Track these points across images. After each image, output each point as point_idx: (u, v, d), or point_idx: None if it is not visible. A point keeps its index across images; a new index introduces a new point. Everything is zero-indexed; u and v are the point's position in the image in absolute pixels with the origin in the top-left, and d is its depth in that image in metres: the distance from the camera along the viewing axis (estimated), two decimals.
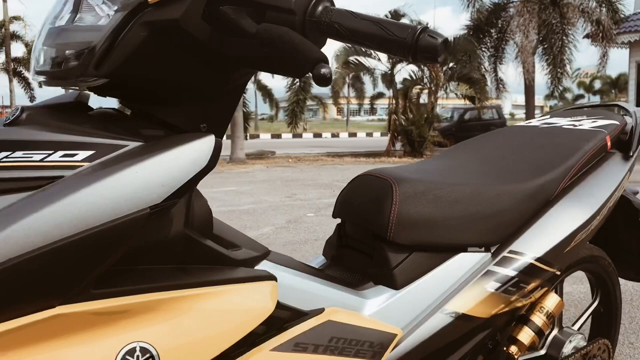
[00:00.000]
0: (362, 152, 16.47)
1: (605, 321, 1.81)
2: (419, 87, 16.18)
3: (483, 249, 1.20)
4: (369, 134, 32.62)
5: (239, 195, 7.57)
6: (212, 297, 0.80)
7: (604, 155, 1.47)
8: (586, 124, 1.53)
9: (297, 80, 14.21)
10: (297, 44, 0.75)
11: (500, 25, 17.30)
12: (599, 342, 1.60)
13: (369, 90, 23.32)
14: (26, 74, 30.20)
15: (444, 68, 15.60)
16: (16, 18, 27.04)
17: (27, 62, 29.94)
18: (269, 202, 6.83)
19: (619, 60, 20.57)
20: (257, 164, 12.82)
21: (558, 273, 1.31)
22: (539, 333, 1.31)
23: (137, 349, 0.72)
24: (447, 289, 1.13)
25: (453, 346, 1.16)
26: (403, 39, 0.78)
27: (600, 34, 15.34)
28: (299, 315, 0.94)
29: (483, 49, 17.49)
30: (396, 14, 16.45)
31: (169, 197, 0.74)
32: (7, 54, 12.43)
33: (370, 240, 1.14)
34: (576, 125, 1.52)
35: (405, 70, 17.47)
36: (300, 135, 29.63)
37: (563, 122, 1.59)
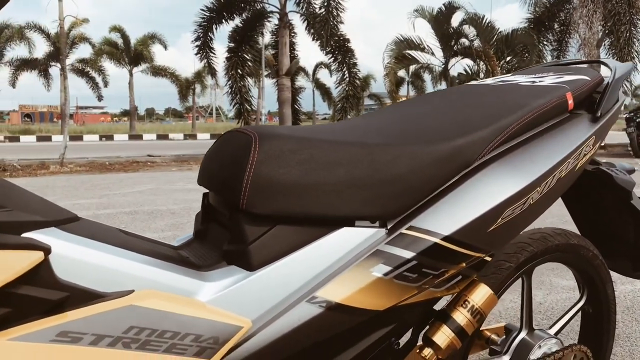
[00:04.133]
0: None
1: (595, 324, 1.52)
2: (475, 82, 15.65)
3: (377, 223, 0.96)
4: None
5: None
6: None
7: (567, 116, 1.19)
8: (549, 80, 1.24)
9: (347, 75, 13.97)
10: None
11: (563, 18, 16.48)
12: (574, 349, 1.32)
13: (429, 88, 22.90)
14: (93, 74, 31.40)
15: (501, 62, 15.01)
16: (84, 20, 28.11)
17: (93, 62, 31.10)
18: None
19: None
20: None
21: (487, 258, 1.04)
22: (461, 333, 1.04)
23: None
24: (321, 271, 0.89)
25: (332, 344, 0.92)
26: None
27: None
28: (90, 298, 0.74)
29: (544, 43, 16.71)
30: (451, 7, 15.99)
31: None
32: (61, 53, 12.77)
33: (228, 211, 0.92)
34: (536, 82, 1.24)
35: (460, 65, 16.95)
36: None
37: (522, 79, 1.31)
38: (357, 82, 14.21)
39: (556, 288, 3.03)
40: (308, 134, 0.95)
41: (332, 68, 14.50)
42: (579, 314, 1.50)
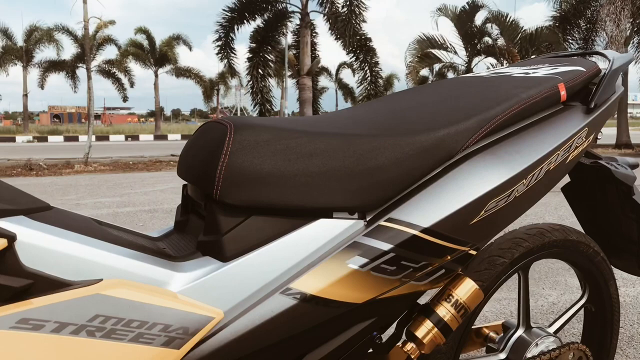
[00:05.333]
0: None
1: (597, 323, 1.48)
2: None
3: (356, 215, 0.94)
4: None
5: None
6: None
7: (560, 107, 1.16)
8: (542, 71, 1.21)
9: (368, 74, 13.93)
10: None
11: (589, 15, 16.18)
12: (572, 347, 1.29)
13: None
14: (119, 75, 31.84)
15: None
16: (111, 22, 28.54)
17: (119, 64, 31.52)
18: None
19: None
20: None
21: (472, 252, 1.02)
22: (444, 328, 1.02)
23: None
24: (296, 263, 0.88)
25: (308, 337, 0.91)
26: None
27: None
28: (56, 287, 0.74)
29: (570, 41, 16.44)
30: (474, 5, 15.84)
31: None
32: (86, 54, 12.95)
33: (203, 202, 0.92)
34: (529, 74, 1.21)
35: (483, 64, 16.79)
36: None
37: (516, 70, 1.28)
38: (379, 81, 14.16)
39: (571, 288, 2.97)
40: (286, 125, 0.94)
41: (354, 67, 14.50)
42: (580, 313, 1.46)
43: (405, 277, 0.95)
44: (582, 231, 1.42)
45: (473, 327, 1.37)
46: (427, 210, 0.95)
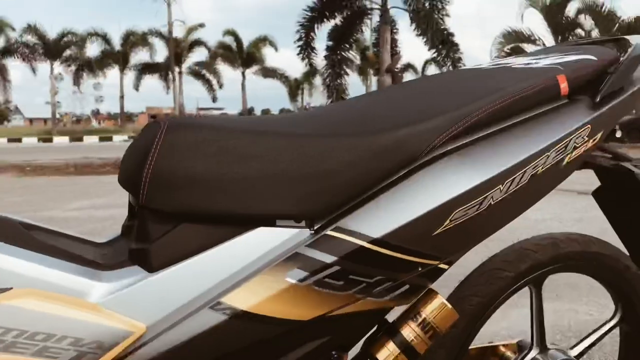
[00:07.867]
0: None
1: (634, 347, 1.30)
2: None
3: (303, 223, 0.84)
4: None
5: None
6: None
7: (562, 102, 0.99)
8: (546, 61, 1.05)
9: (451, 69, 13.58)
10: None
11: None
12: None
13: None
14: (209, 76, 32.95)
15: None
16: (201, 25, 29.55)
17: (209, 65, 32.61)
18: None
19: None
20: None
21: (443, 266, 0.89)
22: (408, 351, 0.89)
23: None
24: (230, 276, 0.79)
25: (248, 356, 0.83)
26: None
27: None
28: None
29: None
30: None
31: None
32: (169, 55, 13.44)
33: (136, 207, 0.86)
34: (530, 64, 1.05)
35: None
36: None
37: (519, 60, 1.12)
38: None
39: None
40: (228, 125, 0.86)
41: (439, 62, 14.15)
42: (606, 335, 1.28)
43: (358, 293, 0.84)
44: (612, 243, 1.24)
45: (490, 344, 1.25)
46: (379, 219, 0.84)
